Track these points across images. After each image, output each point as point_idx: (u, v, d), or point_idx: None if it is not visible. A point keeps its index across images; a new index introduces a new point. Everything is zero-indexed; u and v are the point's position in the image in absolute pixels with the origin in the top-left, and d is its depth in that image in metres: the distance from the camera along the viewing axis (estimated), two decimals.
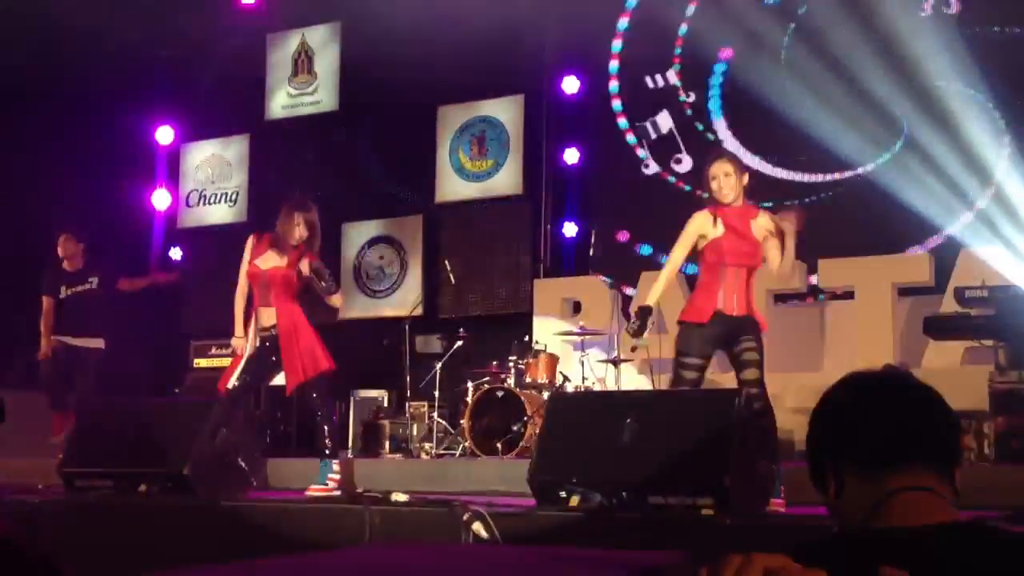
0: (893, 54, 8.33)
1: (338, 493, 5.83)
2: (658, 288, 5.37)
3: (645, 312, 5.29)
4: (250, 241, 6.25)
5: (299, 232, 6.11)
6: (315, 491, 5.81)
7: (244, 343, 6.10)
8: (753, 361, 5.08)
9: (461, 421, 7.88)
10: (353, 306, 10.62)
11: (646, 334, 5.29)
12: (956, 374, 6.83)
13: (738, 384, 5.06)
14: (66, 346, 7.85)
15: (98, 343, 7.89)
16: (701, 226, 5.28)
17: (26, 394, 8.02)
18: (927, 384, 1.63)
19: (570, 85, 9.95)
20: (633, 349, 7.13)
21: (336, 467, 5.99)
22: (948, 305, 6.76)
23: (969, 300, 6.29)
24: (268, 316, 6.08)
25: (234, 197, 11.50)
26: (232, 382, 5.99)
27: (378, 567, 2.87)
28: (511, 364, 7.99)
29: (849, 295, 8.05)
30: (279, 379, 6.29)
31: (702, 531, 4.11)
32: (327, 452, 5.95)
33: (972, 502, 4.50)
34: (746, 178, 5.35)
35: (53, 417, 7.79)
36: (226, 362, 6.92)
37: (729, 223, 5.25)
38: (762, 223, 5.30)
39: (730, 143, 9.11)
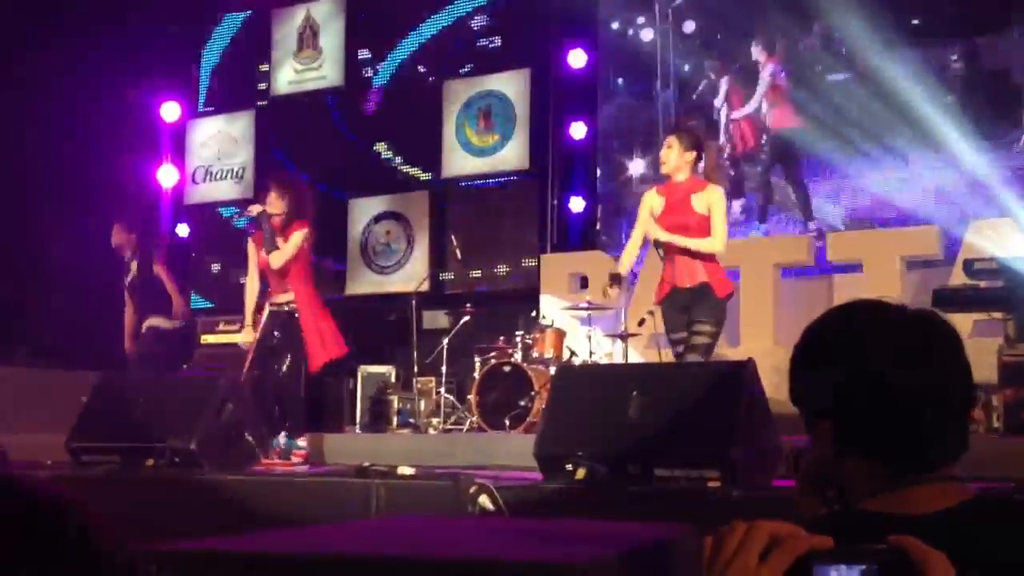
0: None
1: (306, 467, 6.02)
2: (624, 259, 5.92)
3: (614, 278, 5.81)
4: (250, 241, 6.46)
5: (272, 210, 6.27)
6: (281, 465, 6.06)
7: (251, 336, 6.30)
8: (699, 345, 5.40)
9: (468, 396, 7.89)
10: (360, 282, 10.63)
11: (615, 293, 5.84)
12: (965, 346, 6.80)
13: None
14: (153, 331, 7.82)
15: (168, 322, 7.83)
16: (648, 203, 5.75)
17: (33, 371, 8.07)
18: (957, 339, 1.40)
19: (577, 59, 9.88)
20: (640, 323, 7.15)
21: (302, 443, 6.23)
22: (957, 277, 6.72)
23: (978, 272, 6.25)
24: (282, 295, 6.30)
25: (240, 173, 11.49)
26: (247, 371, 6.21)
27: (389, 537, 2.88)
28: (518, 339, 7.98)
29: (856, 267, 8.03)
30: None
31: (708, 503, 4.10)
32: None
33: (981, 474, 4.50)
34: (690, 155, 5.60)
35: None
36: (235, 338, 7.02)
37: (670, 199, 5.61)
38: (708, 197, 5.55)
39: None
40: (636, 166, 9.81)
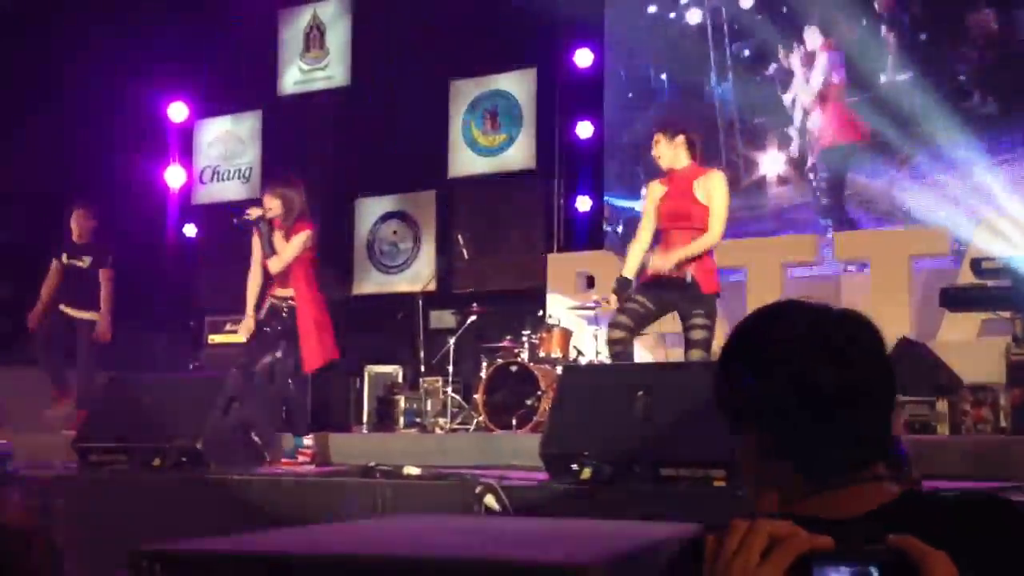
0: None
1: (312, 467, 6.03)
2: (631, 261, 5.69)
3: (623, 283, 5.64)
4: (255, 235, 6.43)
5: (271, 214, 6.29)
6: (287, 464, 6.09)
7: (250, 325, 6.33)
8: (699, 340, 5.29)
9: (475, 396, 7.88)
10: (366, 281, 10.64)
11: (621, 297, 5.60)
12: (973, 346, 6.78)
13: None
14: (65, 317, 7.87)
15: (92, 315, 7.88)
16: (651, 194, 5.66)
17: (19, 371, 8.13)
18: (879, 339, 1.35)
19: (583, 58, 9.87)
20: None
21: (308, 441, 6.24)
22: (965, 277, 6.70)
23: (986, 271, 6.23)
24: (282, 291, 6.32)
25: (247, 173, 11.50)
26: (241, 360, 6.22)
27: (394, 537, 2.87)
28: (525, 339, 7.98)
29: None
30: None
31: (714, 502, 4.09)
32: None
33: (988, 474, 4.47)
34: (680, 139, 5.52)
35: (52, 391, 7.83)
36: (239, 337, 7.05)
37: (671, 186, 5.53)
38: (707, 183, 5.45)
39: None
40: None
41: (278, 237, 6.25)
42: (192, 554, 2.42)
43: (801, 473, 1.30)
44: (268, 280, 6.40)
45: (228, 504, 4.90)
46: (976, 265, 6.31)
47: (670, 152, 5.52)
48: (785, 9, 8.60)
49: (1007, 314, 6.05)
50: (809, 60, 8.66)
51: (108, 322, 7.83)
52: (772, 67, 8.81)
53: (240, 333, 6.51)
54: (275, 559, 2.39)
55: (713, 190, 5.42)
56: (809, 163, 8.80)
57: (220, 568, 2.39)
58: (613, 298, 5.66)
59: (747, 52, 8.87)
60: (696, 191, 5.44)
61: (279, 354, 6.23)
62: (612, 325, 5.56)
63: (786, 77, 8.77)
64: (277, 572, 2.34)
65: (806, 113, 8.75)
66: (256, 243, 6.38)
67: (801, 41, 8.63)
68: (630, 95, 9.78)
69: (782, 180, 9.01)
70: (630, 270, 5.67)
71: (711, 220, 5.38)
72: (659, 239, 5.58)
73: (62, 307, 7.84)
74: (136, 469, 5.48)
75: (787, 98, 8.82)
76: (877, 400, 1.33)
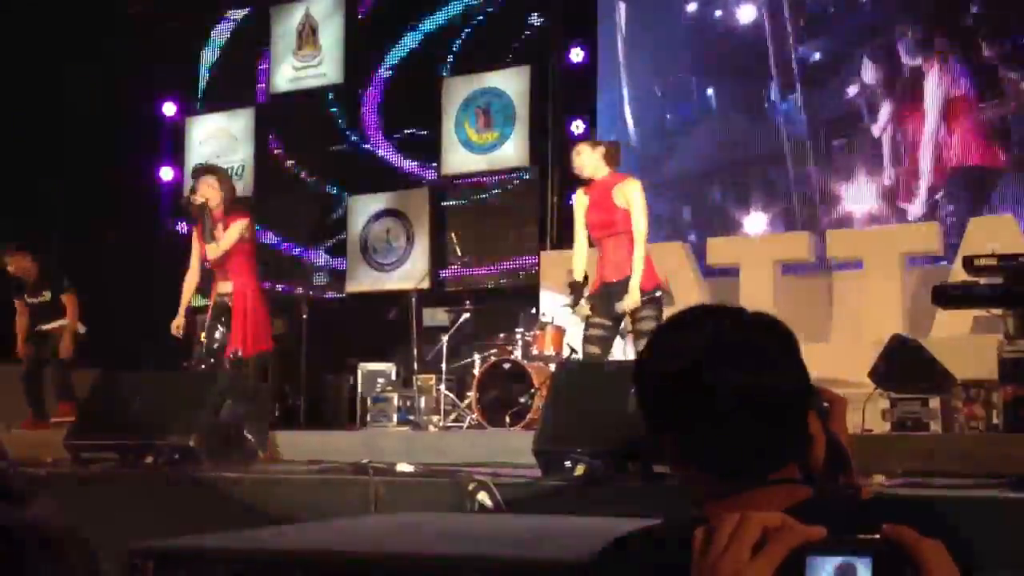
0: None
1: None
2: (576, 266, 6.07)
3: (575, 287, 6.04)
4: (194, 233, 6.57)
5: (212, 203, 6.37)
6: None
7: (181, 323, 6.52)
8: (645, 331, 5.60)
9: (468, 393, 7.88)
10: (359, 279, 10.62)
11: (582, 304, 5.98)
12: (965, 343, 6.79)
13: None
14: (39, 339, 8.10)
15: (62, 323, 8.14)
16: (578, 203, 6.01)
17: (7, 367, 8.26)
18: (790, 341, 1.33)
19: (577, 56, 9.86)
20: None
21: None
22: (957, 274, 6.71)
23: (978, 269, 6.23)
24: (223, 286, 6.45)
25: (240, 171, 11.48)
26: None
27: (387, 535, 2.87)
28: (518, 336, 7.97)
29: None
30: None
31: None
32: None
33: (981, 470, 4.48)
34: (600, 150, 5.86)
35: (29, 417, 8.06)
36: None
37: (592, 196, 5.86)
38: (625, 190, 5.77)
39: None
40: (754, 223, 7.42)
41: (218, 228, 6.34)
42: (185, 551, 2.42)
43: (709, 475, 1.32)
44: (212, 277, 6.47)
45: (221, 502, 4.89)
46: (968, 263, 6.32)
47: (591, 161, 5.86)
48: (870, 5, 6.41)
49: (999, 311, 6.06)
50: (915, 64, 6.54)
51: (70, 339, 8.09)
52: (854, 74, 6.79)
53: (173, 330, 6.56)
54: (269, 556, 2.39)
55: (631, 196, 5.77)
56: (922, 193, 7.03)
57: (213, 565, 2.38)
58: (582, 307, 6.00)
59: (818, 56, 7.01)
60: (615, 198, 5.77)
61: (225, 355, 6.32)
62: (585, 346, 5.98)
63: (877, 86, 6.86)
64: (271, 569, 2.34)
65: (912, 131, 6.71)
66: (195, 241, 6.46)
67: (897, 39, 6.43)
68: (668, 116, 8.24)
69: (874, 218, 7.75)
70: (578, 274, 6.09)
71: (635, 225, 5.72)
72: (591, 244, 6.03)
73: (38, 328, 8.14)
74: (128, 466, 5.46)
75: (883, 113, 6.88)
76: (784, 403, 1.31)
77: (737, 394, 1.28)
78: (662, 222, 7.89)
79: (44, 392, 8.17)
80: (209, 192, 6.36)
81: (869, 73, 6.82)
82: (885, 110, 6.87)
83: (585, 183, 5.98)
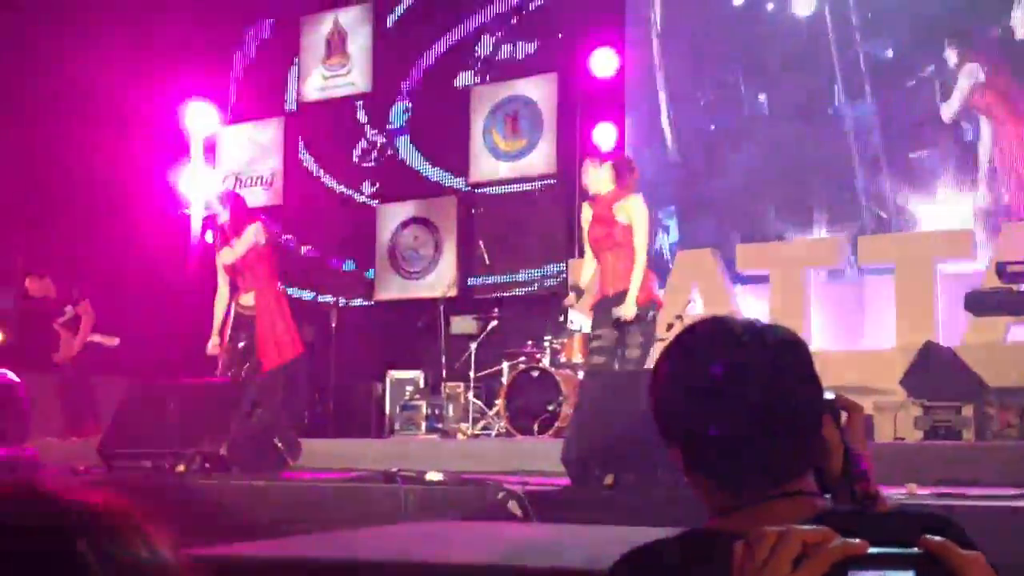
0: None
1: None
2: (584, 273, 6.23)
3: (575, 288, 6.33)
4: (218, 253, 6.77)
5: (221, 220, 6.66)
6: None
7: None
8: (631, 359, 5.78)
9: (496, 401, 7.88)
10: (388, 287, 10.65)
11: (571, 296, 6.35)
12: (998, 350, 6.72)
13: None
14: (85, 353, 8.30)
15: (107, 338, 8.30)
16: (584, 216, 6.15)
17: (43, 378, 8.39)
18: (802, 353, 1.32)
19: (605, 63, 9.83)
20: (669, 328, 7.15)
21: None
22: (990, 280, 6.64)
23: (1011, 275, 6.17)
24: (245, 298, 6.54)
25: (269, 180, 11.55)
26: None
27: (417, 543, 2.88)
28: (546, 344, 7.97)
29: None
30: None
31: None
32: None
33: (1016, 479, 4.42)
34: (608, 165, 5.97)
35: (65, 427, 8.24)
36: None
37: (596, 210, 5.98)
38: (627, 206, 5.86)
39: None
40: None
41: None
42: (217, 560, 2.43)
43: (719, 488, 1.31)
44: (234, 290, 6.55)
45: (251, 510, 4.91)
46: (1001, 268, 6.25)
47: (600, 178, 5.97)
48: None
49: None
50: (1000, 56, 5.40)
51: (77, 346, 8.31)
52: (936, 82, 5.83)
53: (209, 351, 6.63)
54: (300, 564, 2.39)
55: (633, 212, 5.86)
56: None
57: (243, 574, 2.39)
58: (572, 297, 6.31)
59: (890, 53, 6.22)
60: (617, 214, 5.87)
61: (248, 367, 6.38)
62: (590, 357, 6.10)
63: (973, 84, 5.87)
64: None
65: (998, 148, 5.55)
66: (219, 260, 6.59)
67: (984, 32, 5.60)
68: (713, 126, 7.61)
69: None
70: (583, 280, 6.25)
71: (636, 242, 5.81)
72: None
73: (92, 339, 8.37)
74: (160, 475, 5.51)
75: (980, 121, 5.91)
76: (797, 419, 1.30)
77: (750, 411, 1.27)
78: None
79: (85, 404, 8.31)
80: (219, 210, 6.68)
81: (952, 66, 5.87)
82: (978, 113, 5.93)
83: (593, 197, 6.12)
